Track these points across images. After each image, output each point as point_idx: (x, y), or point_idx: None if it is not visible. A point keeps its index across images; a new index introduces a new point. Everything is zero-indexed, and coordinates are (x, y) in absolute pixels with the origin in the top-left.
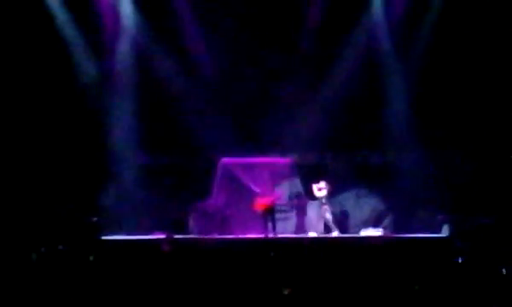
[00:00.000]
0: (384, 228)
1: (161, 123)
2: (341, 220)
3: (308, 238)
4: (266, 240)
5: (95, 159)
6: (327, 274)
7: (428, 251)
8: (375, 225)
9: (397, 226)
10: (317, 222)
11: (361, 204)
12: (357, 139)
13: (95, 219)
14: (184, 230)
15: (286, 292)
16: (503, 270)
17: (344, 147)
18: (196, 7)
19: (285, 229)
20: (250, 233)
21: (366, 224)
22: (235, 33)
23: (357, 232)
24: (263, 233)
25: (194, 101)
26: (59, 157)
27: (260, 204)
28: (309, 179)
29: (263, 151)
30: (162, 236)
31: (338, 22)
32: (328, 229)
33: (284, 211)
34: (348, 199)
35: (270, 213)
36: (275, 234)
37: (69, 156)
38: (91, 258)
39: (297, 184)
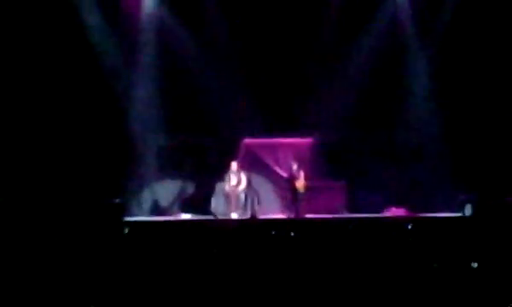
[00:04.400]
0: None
1: (182, 103)
2: None
3: (334, 218)
4: (292, 221)
5: (117, 141)
6: (351, 253)
7: (451, 231)
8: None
9: (420, 205)
10: None
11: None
12: (378, 118)
13: (118, 200)
14: (206, 211)
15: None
16: None
17: (365, 126)
18: None
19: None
20: (272, 214)
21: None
22: (257, 13)
23: None
24: (288, 213)
25: (215, 79)
26: (82, 140)
27: (300, 184)
28: (331, 159)
29: (285, 130)
30: (186, 217)
31: (361, 5)
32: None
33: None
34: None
35: (302, 193)
36: (300, 214)
37: (92, 138)
38: (125, 232)
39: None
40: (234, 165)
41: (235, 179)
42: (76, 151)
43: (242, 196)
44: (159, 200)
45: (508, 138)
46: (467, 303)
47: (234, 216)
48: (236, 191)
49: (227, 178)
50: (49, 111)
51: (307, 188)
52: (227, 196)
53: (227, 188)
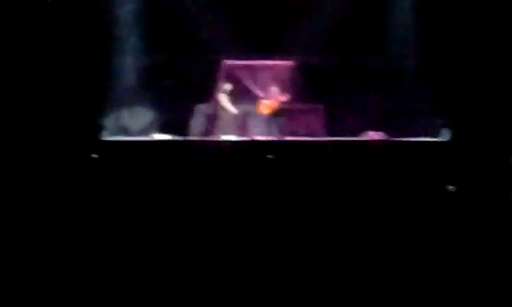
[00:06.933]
0: None
1: (162, 22)
2: None
3: (313, 140)
4: (269, 143)
5: (95, 60)
6: (329, 176)
7: (429, 155)
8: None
9: (397, 129)
10: None
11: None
12: (358, 42)
13: (95, 120)
14: (185, 132)
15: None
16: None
17: (345, 49)
18: None
19: None
20: (252, 135)
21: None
22: None
23: None
24: (266, 135)
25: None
26: (59, 58)
27: (266, 106)
28: (310, 81)
29: (265, 53)
30: (164, 137)
31: None
32: None
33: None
34: None
35: (275, 115)
36: (280, 136)
37: (70, 57)
38: (94, 157)
39: (298, 87)
40: (229, 86)
41: (229, 100)
42: (54, 70)
43: (234, 118)
44: (136, 121)
45: (490, 62)
46: (444, 225)
47: (226, 137)
48: (230, 113)
49: (220, 99)
50: (29, 33)
51: (284, 110)
52: (219, 117)
53: (220, 108)
